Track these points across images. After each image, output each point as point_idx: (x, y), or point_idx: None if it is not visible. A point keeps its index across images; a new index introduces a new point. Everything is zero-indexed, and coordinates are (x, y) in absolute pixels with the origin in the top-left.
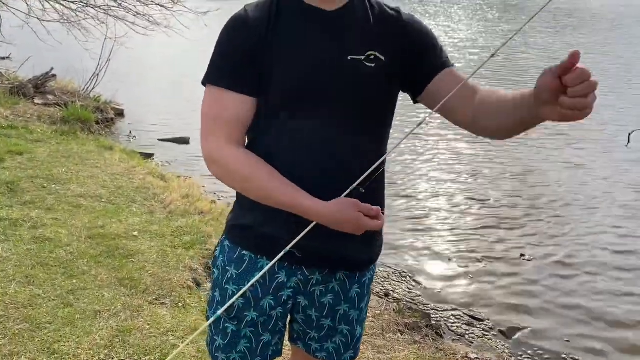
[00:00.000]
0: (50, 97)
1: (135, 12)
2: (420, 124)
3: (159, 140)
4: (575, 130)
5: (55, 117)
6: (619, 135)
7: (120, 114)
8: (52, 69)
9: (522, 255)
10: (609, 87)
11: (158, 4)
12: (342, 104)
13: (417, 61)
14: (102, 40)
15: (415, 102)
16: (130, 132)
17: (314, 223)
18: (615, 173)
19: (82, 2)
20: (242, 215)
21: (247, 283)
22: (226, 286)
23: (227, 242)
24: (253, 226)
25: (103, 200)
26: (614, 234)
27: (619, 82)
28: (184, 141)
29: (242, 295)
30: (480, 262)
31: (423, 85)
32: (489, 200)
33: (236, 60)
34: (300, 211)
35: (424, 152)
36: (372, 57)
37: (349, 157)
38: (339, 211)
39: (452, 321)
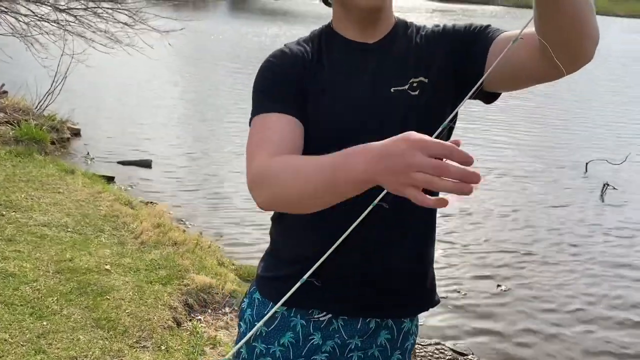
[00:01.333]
0: (1, 114)
1: (95, 28)
2: (476, 90)
3: (119, 163)
4: (535, 164)
5: (6, 137)
6: (578, 166)
7: (76, 133)
8: (2, 84)
9: (498, 285)
10: (565, 118)
11: (120, 21)
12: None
13: (461, 58)
14: (59, 56)
15: (487, 100)
16: (88, 153)
17: (341, 237)
18: (575, 203)
19: (36, 15)
20: (277, 266)
21: (277, 343)
22: (254, 344)
23: (257, 295)
24: (290, 277)
25: (69, 229)
26: (584, 267)
27: (574, 113)
28: (146, 164)
29: (270, 355)
30: (459, 292)
31: (481, 71)
32: (466, 235)
33: (278, 86)
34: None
35: None
36: (415, 84)
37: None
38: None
39: (437, 356)
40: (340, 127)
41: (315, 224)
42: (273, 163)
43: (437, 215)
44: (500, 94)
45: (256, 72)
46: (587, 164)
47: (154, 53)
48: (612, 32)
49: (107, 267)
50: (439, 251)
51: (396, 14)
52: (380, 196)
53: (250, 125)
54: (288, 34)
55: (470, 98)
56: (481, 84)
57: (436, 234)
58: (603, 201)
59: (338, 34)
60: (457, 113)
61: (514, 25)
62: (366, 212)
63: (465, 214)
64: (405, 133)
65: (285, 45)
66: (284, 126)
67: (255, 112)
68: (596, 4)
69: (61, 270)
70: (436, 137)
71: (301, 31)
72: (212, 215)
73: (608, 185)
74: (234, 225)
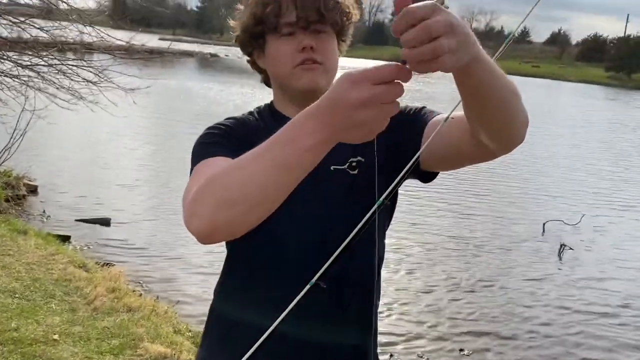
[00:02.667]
0: None
1: (59, 85)
2: (411, 165)
3: (77, 220)
4: (494, 225)
5: None
6: (535, 226)
7: (33, 190)
8: None
9: (461, 350)
10: (524, 179)
11: (84, 79)
12: (329, 209)
13: (398, 139)
14: (19, 111)
15: (424, 179)
16: (44, 211)
17: (342, 246)
18: (534, 263)
19: None
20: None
21: None
22: None
23: None
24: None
25: (17, 295)
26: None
27: (535, 174)
28: (105, 222)
29: None
30: (422, 358)
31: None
32: (423, 301)
33: (222, 138)
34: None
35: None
36: (354, 163)
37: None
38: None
39: None
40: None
41: (250, 314)
42: (209, 176)
43: (399, 286)
44: (437, 173)
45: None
46: (544, 224)
47: (118, 110)
48: (564, 96)
49: (56, 336)
50: (401, 319)
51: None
52: (317, 275)
53: (190, 174)
54: (255, 92)
55: (406, 178)
56: (410, 168)
57: (399, 303)
58: (561, 260)
59: (278, 112)
60: (396, 192)
61: None
62: (302, 292)
63: (422, 279)
64: (343, 74)
65: (233, 116)
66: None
67: (196, 161)
68: (548, 70)
69: (4, 341)
70: (369, 218)
71: (266, 89)
72: (170, 278)
73: (565, 245)
74: (192, 288)
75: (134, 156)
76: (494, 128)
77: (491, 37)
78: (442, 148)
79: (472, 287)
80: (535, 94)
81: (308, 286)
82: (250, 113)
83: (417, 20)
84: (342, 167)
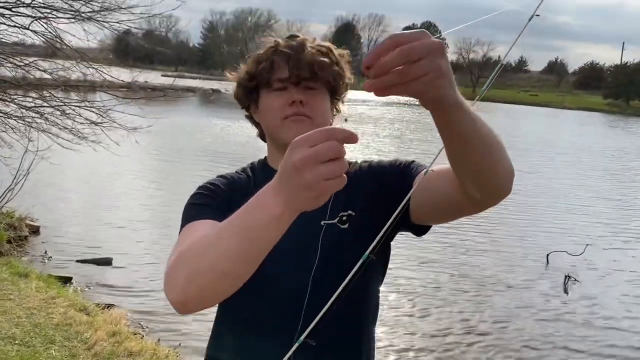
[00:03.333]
0: None
1: (62, 125)
2: (397, 216)
3: (78, 261)
4: (498, 258)
5: None
6: (539, 258)
7: (35, 231)
8: None
9: None
10: (530, 210)
11: (87, 119)
12: (320, 263)
13: (388, 193)
14: (22, 152)
15: (417, 232)
16: (46, 252)
17: (330, 302)
18: (538, 296)
19: (1, 112)
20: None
21: None
22: None
23: None
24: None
25: (17, 342)
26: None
27: (537, 204)
28: (106, 262)
29: None
30: None
31: (407, 208)
32: (431, 338)
33: (211, 199)
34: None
35: None
36: (345, 217)
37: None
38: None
39: None
40: (268, 258)
41: None
42: (183, 248)
43: (407, 328)
44: (430, 226)
45: (217, 174)
46: (547, 255)
47: (120, 149)
48: (565, 124)
49: None
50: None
51: (348, 105)
52: (307, 332)
53: (179, 236)
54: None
55: (396, 232)
56: (392, 223)
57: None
58: (567, 293)
59: (270, 168)
60: (388, 245)
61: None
62: (291, 351)
63: (431, 321)
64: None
65: (226, 173)
66: (212, 225)
67: (185, 223)
68: (547, 98)
69: None
70: (356, 272)
71: None
72: (171, 320)
73: (570, 277)
74: (193, 331)
75: (136, 195)
76: (478, 176)
77: (489, 67)
78: (432, 200)
79: (480, 328)
80: (535, 123)
81: (296, 344)
82: (243, 169)
83: (392, 47)
84: (333, 221)
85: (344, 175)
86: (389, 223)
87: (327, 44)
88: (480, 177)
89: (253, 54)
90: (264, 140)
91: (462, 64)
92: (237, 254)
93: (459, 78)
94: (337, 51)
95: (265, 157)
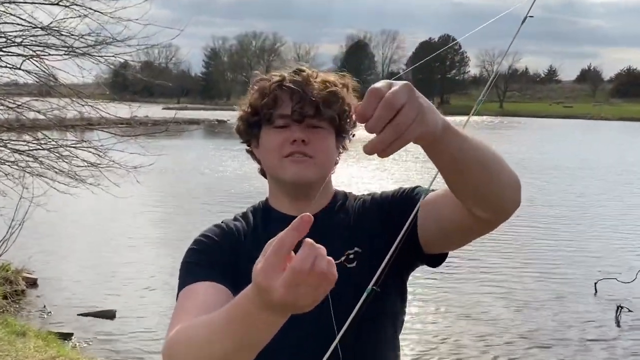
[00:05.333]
0: None
1: (58, 169)
2: (401, 240)
3: (79, 315)
4: (543, 287)
5: None
6: (587, 286)
7: (32, 284)
8: None
9: None
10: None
11: (84, 160)
12: (327, 313)
13: (394, 223)
14: (17, 200)
15: (432, 263)
16: (45, 307)
17: (337, 338)
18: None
19: None
20: None
21: None
22: None
23: None
24: None
25: None
26: None
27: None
28: (109, 315)
29: None
30: None
31: (415, 238)
32: None
33: (207, 257)
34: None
35: None
36: (352, 255)
37: None
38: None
39: None
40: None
41: None
42: (181, 330)
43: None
44: (446, 254)
45: (223, 218)
46: (596, 283)
47: (121, 191)
48: (605, 137)
49: None
50: None
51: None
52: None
53: (177, 299)
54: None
55: (412, 267)
56: (393, 254)
57: None
58: (619, 326)
59: (273, 210)
60: (403, 282)
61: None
62: None
63: (477, 347)
64: (254, 281)
65: (222, 221)
66: (209, 295)
67: (182, 285)
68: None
69: None
70: (360, 307)
71: None
72: None
73: (622, 307)
74: None
75: (140, 241)
76: (481, 195)
77: (515, 79)
78: (439, 226)
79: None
80: (572, 138)
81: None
82: (244, 214)
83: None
84: (338, 260)
85: (335, 273)
86: (392, 249)
87: (333, 77)
88: (484, 196)
89: (256, 82)
90: (264, 176)
91: (486, 77)
92: (234, 353)
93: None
94: (342, 81)
95: (267, 199)
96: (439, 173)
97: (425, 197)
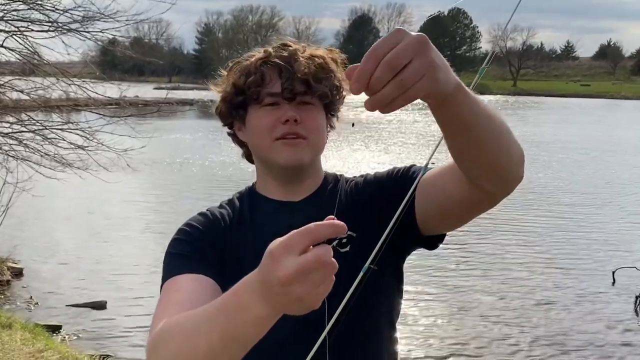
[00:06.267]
0: None
1: (44, 152)
2: (398, 218)
3: (68, 305)
4: (559, 278)
5: None
6: (604, 275)
7: (18, 273)
8: None
9: None
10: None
11: (71, 142)
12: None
13: (389, 204)
14: (0, 185)
15: (430, 246)
16: (31, 297)
17: (332, 320)
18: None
19: None
20: None
21: None
22: None
23: None
24: None
25: None
26: None
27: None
28: (100, 306)
29: None
30: None
31: (412, 218)
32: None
33: (191, 247)
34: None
35: None
36: (344, 240)
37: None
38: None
39: None
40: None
41: None
42: (166, 324)
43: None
44: (443, 236)
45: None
46: (613, 272)
47: (110, 175)
48: (626, 118)
49: None
50: None
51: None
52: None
53: (161, 291)
54: None
55: (407, 250)
56: (391, 230)
57: None
58: (638, 315)
59: (260, 195)
60: (399, 266)
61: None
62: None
63: (491, 338)
64: (267, 250)
65: (207, 209)
66: (193, 287)
67: (166, 276)
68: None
69: None
70: (355, 290)
71: None
72: None
73: None
74: None
75: (130, 228)
76: (493, 164)
77: (530, 55)
78: (437, 204)
79: (540, 353)
80: (590, 118)
81: None
82: (229, 201)
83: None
84: (330, 245)
85: (333, 277)
86: (389, 227)
87: (321, 51)
88: (496, 166)
89: (237, 63)
90: (249, 160)
91: (499, 54)
92: (222, 350)
93: (498, 70)
94: (331, 55)
95: (254, 184)
96: (445, 141)
97: (425, 172)
